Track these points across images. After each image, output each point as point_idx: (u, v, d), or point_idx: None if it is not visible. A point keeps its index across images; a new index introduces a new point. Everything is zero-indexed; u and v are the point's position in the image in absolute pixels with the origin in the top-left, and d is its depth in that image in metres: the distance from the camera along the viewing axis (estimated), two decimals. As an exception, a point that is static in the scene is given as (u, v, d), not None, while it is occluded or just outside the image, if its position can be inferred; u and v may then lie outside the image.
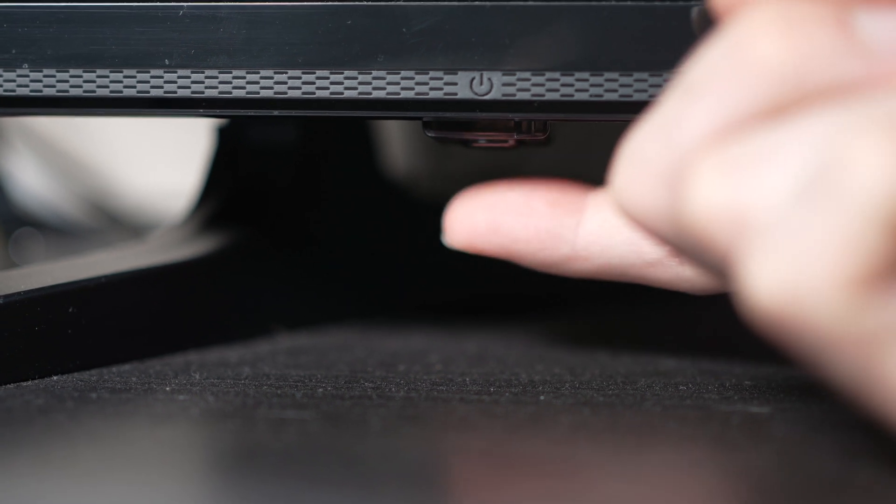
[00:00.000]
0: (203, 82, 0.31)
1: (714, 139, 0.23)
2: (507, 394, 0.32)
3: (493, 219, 0.32)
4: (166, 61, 0.31)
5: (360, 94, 0.31)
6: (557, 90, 0.30)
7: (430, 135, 0.32)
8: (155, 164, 0.74)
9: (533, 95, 0.30)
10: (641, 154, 0.24)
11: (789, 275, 0.21)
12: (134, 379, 0.33)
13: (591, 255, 0.31)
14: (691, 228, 0.23)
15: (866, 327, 0.21)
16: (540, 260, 0.32)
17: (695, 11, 0.28)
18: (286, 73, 0.31)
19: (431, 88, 0.30)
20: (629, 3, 0.29)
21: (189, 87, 0.31)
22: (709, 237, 0.22)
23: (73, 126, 0.75)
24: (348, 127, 0.44)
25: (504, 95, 0.30)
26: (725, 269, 0.23)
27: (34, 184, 0.71)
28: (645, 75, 0.29)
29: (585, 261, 0.31)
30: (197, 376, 0.34)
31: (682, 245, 0.24)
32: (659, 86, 0.29)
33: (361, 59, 0.31)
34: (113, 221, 0.69)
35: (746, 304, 0.22)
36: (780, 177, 0.22)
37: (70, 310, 0.34)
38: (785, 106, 0.22)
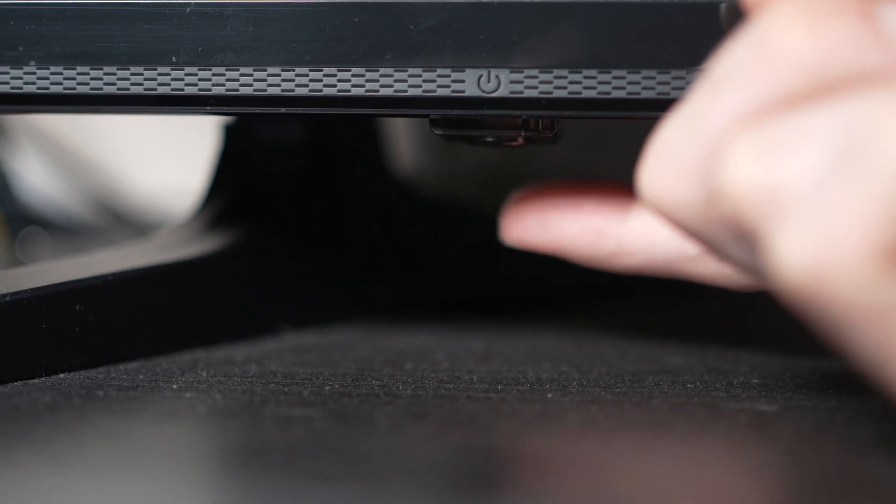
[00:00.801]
0: (210, 80, 0.31)
1: (745, 123, 0.23)
2: (514, 392, 0.32)
3: (542, 216, 0.33)
4: (173, 59, 0.31)
5: (367, 91, 0.31)
6: (565, 88, 0.30)
7: (437, 132, 0.32)
8: (161, 163, 0.74)
9: (541, 93, 0.30)
10: (669, 148, 0.24)
11: (818, 248, 0.21)
12: (141, 377, 0.33)
13: (636, 251, 0.33)
14: (725, 208, 0.23)
15: (890, 300, 0.21)
16: (587, 256, 0.33)
17: (723, 7, 0.28)
18: (293, 70, 0.31)
19: (439, 86, 0.30)
20: (637, 0, 0.29)
21: (196, 85, 0.31)
22: (742, 215, 0.23)
23: (79, 125, 0.75)
24: (355, 125, 0.43)
25: (512, 93, 0.30)
26: (754, 253, 0.23)
27: (40, 183, 0.71)
28: (653, 73, 0.29)
29: (631, 256, 0.33)
30: (204, 374, 0.34)
31: (710, 236, 0.24)
32: (667, 83, 0.29)
33: (369, 57, 0.31)
34: (119, 220, 0.69)
35: (775, 279, 0.22)
36: (812, 155, 0.22)
37: (77, 308, 0.34)
38: (809, 95, 0.23)
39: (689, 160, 0.24)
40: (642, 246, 0.32)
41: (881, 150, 0.21)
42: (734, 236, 0.24)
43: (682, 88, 0.29)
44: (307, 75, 0.31)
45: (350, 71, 0.31)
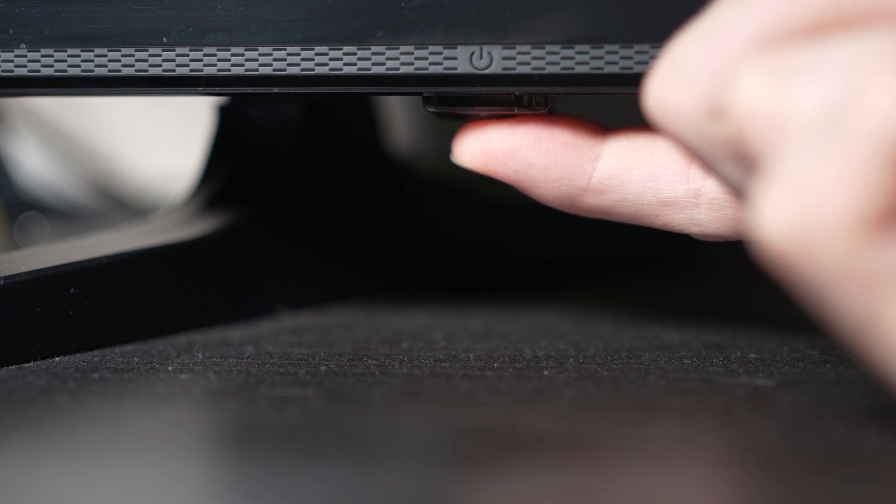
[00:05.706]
0: (202, 60, 0.31)
1: (760, 48, 0.23)
2: (510, 369, 0.32)
3: (511, 141, 0.31)
4: (164, 39, 0.31)
5: (359, 69, 0.31)
6: (558, 63, 0.30)
7: (430, 110, 0.32)
8: (159, 147, 0.74)
9: (533, 69, 0.30)
10: (682, 60, 0.25)
11: (799, 211, 0.21)
12: (136, 359, 0.33)
13: (607, 188, 0.31)
14: (729, 126, 0.23)
15: (870, 268, 0.21)
16: (554, 190, 0.31)
17: None
18: (285, 49, 0.31)
19: (431, 63, 0.30)
20: (629, -26, 0.29)
21: (188, 66, 0.31)
22: (745, 137, 0.23)
23: (77, 109, 0.75)
24: (351, 105, 0.43)
25: (504, 69, 0.30)
26: (748, 176, 0.23)
27: (38, 168, 0.71)
28: (646, 47, 0.29)
29: (600, 194, 0.31)
30: (200, 356, 0.34)
31: (709, 152, 0.25)
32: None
33: (360, 35, 0.30)
34: (118, 204, 0.69)
35: (757, 241, 0.22)
36: (819, 89, 0.22)
37: (72, 290, 0.34)
38: (827, 27, 0.23)
39: (700, 74, 0.24)
40: (614, 184, 0.30)
41: (863, 107, 0.21)
42: (732, 156, 0.24)
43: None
44: (299, 54, 0.31)
45: (342, 49, 0.30)
